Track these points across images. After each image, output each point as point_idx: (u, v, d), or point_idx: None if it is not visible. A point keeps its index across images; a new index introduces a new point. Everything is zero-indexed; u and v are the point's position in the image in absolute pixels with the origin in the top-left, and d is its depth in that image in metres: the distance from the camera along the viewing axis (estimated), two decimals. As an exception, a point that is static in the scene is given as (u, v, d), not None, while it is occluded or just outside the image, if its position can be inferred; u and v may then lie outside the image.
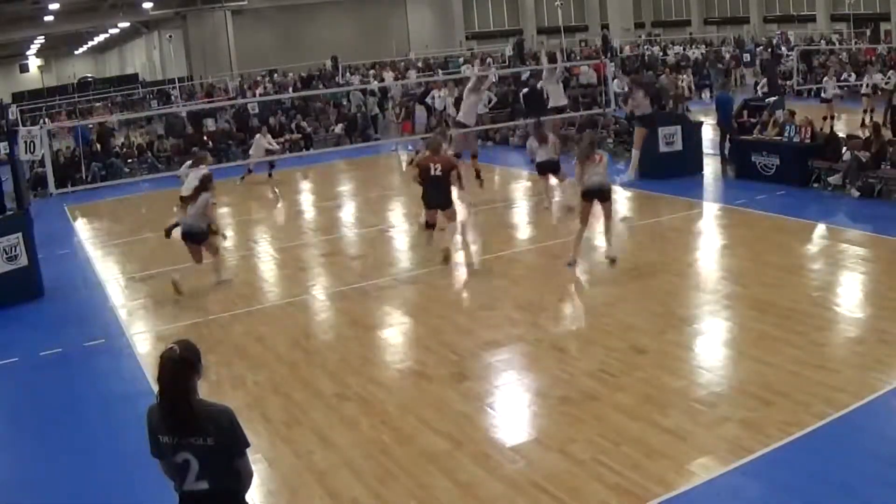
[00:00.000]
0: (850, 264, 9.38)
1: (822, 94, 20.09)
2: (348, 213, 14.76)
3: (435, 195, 10.12)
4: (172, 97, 34.67)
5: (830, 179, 12.79)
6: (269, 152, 18.36)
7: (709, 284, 8.99)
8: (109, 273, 11.61)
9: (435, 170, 9.99)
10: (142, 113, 27.71)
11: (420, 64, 37.81)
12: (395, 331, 8.52)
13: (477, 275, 10.22)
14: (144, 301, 10.13)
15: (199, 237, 9.77)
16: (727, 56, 33.43)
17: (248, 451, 3.68)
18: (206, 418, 3.57)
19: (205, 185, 9.83)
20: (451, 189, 10.35)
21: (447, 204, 10.25)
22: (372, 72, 35.35)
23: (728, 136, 15.23)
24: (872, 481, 5.02)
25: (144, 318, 9.49)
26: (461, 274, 10.34)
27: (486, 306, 8.93)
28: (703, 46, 36.78)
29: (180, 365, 3.56)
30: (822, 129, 15.27)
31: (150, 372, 7.45)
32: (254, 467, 3.52)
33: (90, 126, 22.21)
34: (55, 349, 8.57)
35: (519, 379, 6.97)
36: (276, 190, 17.52)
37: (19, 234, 10.20)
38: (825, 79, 21.13)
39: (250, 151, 18.90)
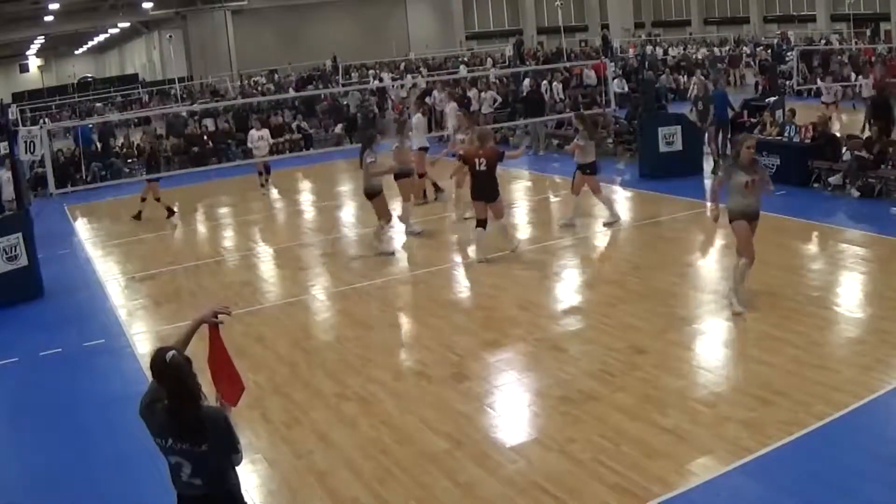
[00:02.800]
0: (850, 264, 9.38)
1: (825, 96, 20.07)
2: (348, 213, 14.74)
3: (480, 188, 10.14)
4: (172, 96, 34.61)
5: (830, 179, 12.78)
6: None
7: (709, 284, 8.98)
8: (109, 273, 11.61)
9: (480, 164, 10.02)
10: (146, 111, 27.58)
11: (421, 65, 37.80)
12: (395, 331, 8.52)
13: (477, 275, 10.21)
14: (144, 301, 10.13)
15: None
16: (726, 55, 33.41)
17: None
18: (205, 421, 3.56)
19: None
20: (497, 181, 10.29)
21: (493, 196, 10.21)
22: (371, 72, 35.33)
23: (723, 132, 15.27)
24: (872, 481, 5.02)
25: (144, 318, 9.49)
26: (461, 274, 10.34)
27: (486, 306, 8.94)
28: (705, 47, 36.79)
29: (187, 367, 3.53)
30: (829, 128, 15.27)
31: (150, 372, 7.45)
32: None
33: (90, 126, 22.19)
34: (55, 349, 8.57)
35: (519, 379, 6.96)
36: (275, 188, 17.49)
37: (19, 234, 10.21)
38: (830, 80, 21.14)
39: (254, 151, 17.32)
